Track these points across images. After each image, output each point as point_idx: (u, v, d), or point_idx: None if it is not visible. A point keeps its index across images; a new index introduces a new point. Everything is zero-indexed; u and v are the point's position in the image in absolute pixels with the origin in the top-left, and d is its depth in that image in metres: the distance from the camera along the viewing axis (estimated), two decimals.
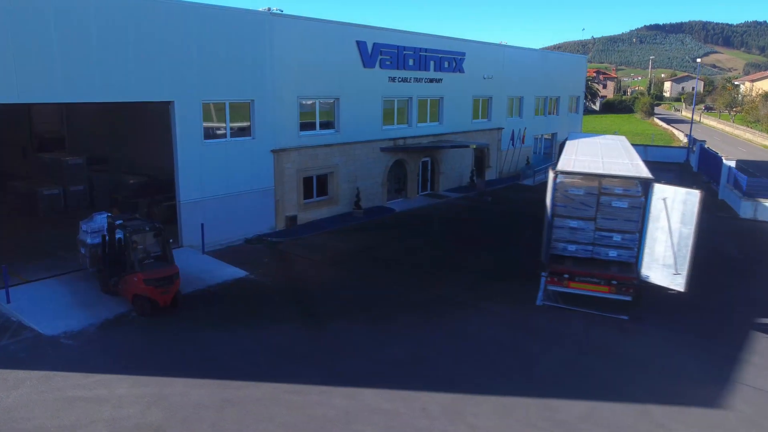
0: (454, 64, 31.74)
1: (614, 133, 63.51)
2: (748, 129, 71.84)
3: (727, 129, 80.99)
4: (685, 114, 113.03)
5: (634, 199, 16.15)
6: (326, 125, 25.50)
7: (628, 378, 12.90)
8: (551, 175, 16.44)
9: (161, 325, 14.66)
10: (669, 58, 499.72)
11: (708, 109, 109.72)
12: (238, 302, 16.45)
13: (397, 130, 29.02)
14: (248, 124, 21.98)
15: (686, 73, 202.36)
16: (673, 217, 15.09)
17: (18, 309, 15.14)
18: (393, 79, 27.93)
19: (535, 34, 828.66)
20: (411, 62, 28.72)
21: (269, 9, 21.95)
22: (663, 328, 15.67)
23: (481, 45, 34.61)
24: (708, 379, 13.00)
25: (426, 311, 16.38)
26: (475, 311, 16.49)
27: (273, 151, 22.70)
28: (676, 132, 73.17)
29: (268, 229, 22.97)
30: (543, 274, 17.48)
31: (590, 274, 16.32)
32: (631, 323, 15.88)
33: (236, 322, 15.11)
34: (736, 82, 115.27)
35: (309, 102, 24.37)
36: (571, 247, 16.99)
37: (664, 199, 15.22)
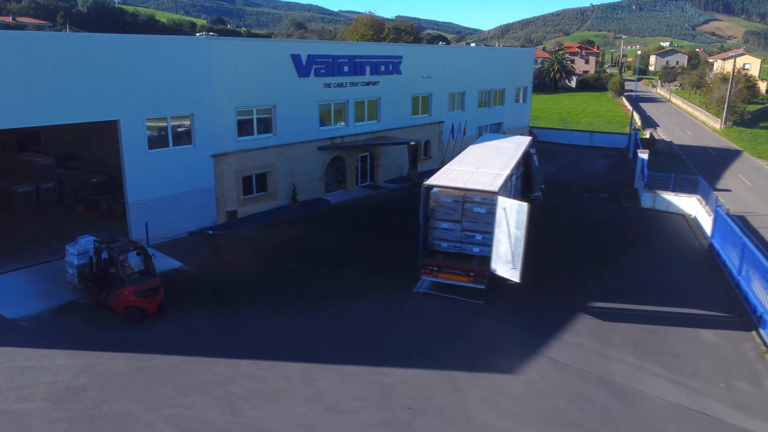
0: (390, 67, 35.05)
1: (563, 121, 66.85)
2: (704, 111, 75.06)
3: (689, 110, 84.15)
4: (659, 91, 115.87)
5: (491, 206, 19.84)
6: (265, 127, 28.95)
7: (453, 351, 16.80)
8: (422, 188, 20.17)
9: (99, 311, 18.39)
10: (668, 26, 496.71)
11: (683, 87, 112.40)
12: (169, 291, 20.11)
13: (335, 130, 32.53)
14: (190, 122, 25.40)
15: (671, 47, 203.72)
16: (510, 223, 18.83)
17: None
18: (329, 85, 31.33)
19: (532, 3, 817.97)
20: (346, 69, 32.07)
21: (206, 34, 25.20)
22: (508, 311, 19.53)
23: (419, 47, 37.94)
24: (517, 352, 16.88)
25: (322, 298, 20.15)
26: (361, 297, 20.28)
27: (212, 156, 26.29)
28: (636, 115, 76.22)
29: (210, 223, 26.70)
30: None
31: (453, 266, 20.16)
32: (485, 307, 19.72)
33: (161, 308, 18.86)
34: (710, 59, 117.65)
35: (246, 111, 27.80)
36: (444, 244, 20.81)
37: (504, 209, 18.94)
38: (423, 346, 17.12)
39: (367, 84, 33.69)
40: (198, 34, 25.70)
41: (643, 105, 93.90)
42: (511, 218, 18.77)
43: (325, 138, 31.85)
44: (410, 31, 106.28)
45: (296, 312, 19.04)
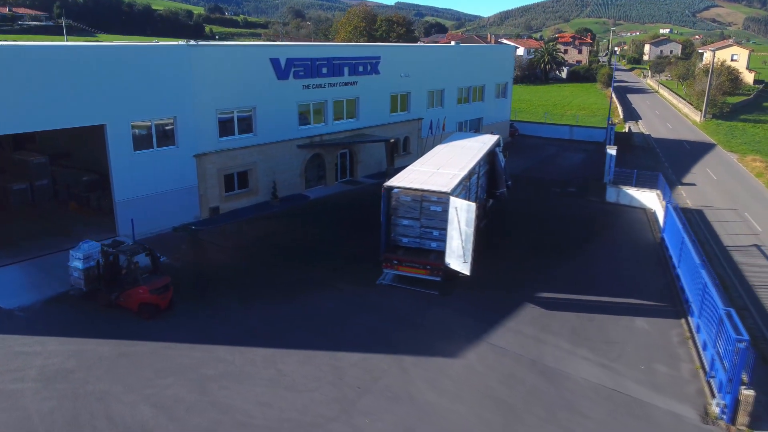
0: (369, 68, 36.67)
1: (544, 115, 68.38)
2: (687, 103, 76.52)
3: (674, 101, 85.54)
4: (649, 82, 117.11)
5: (446, 205, 21.62)
6: (246, 127, 30.64)
7: (405, 337, 18.65)
8: (383, 188, 21.96)
9: (86, 302, 20.18)
10: (668, 12, 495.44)
11: (671, 78, 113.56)
12: None
13: (314, 129, 34.21)
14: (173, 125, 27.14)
15: (666, 36, 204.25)
16: (461, 221, 20.64)
17: None
18: (307, 87, 32.98)
19: None
20: (324, 70, 33.70)
21: (188, 41, 26.89)
22: (462, 301, 21.35)
23: (397, 47, 39.47)
24: (462, 338, 18.74)
25: (293, 290, 21.98)
26: (329, 289, 22.08)
27: (195, 156, 28.03)
28: (620, 109, 77.64)
29: (193, 219, 28.51)
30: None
31: (411, 260, 22.01)
32: (440, 297, 21.54)
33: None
34: (700, 50, 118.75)
35: (227, 112, 29.48)
36: (405, 240, 22.66)
37: (456, 208, 20.74)
38: (379, 333, 18.98)
39: (346, 84, 35.32)
40: (179, 42, 27.24)
41: (630, 96, 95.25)
42: (462, 217, 20.57)
43: (305, 137, 33.55)
44: (402, 23, 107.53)
45: (269, 303, 20.86)
